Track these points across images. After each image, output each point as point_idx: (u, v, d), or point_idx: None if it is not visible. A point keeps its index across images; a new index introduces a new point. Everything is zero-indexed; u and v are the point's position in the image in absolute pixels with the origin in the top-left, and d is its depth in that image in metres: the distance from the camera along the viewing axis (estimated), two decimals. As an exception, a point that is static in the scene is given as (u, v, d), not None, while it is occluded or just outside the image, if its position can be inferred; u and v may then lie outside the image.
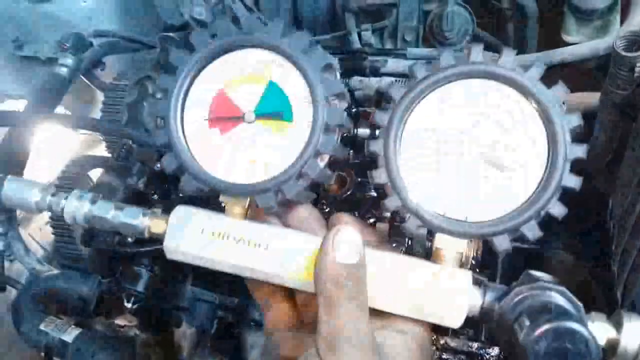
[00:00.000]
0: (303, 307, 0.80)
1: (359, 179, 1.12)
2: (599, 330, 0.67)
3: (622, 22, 1.15)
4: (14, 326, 1.27)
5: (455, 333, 1.13)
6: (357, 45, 1.33)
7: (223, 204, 0.78)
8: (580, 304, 0.67)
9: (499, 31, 1.39)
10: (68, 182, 1.24)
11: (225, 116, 0.78)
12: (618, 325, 0.67)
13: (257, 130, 0.77)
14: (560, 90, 0.71)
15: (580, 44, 1.13)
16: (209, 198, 0.79)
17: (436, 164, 0.74)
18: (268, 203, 0.74)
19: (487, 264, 1.12)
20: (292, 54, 0.75)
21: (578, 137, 0.71)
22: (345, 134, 0.83)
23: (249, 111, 0.77)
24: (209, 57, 0.79)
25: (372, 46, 1.32)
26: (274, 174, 0.75)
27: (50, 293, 1.28)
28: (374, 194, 1.12)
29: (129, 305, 1.29)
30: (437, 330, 1.15)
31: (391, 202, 0.74)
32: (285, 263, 0.74)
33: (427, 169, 0.74)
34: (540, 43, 1.33)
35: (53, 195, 0.81)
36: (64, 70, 1.38)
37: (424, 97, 0.74)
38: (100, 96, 1.45)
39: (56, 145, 1.69)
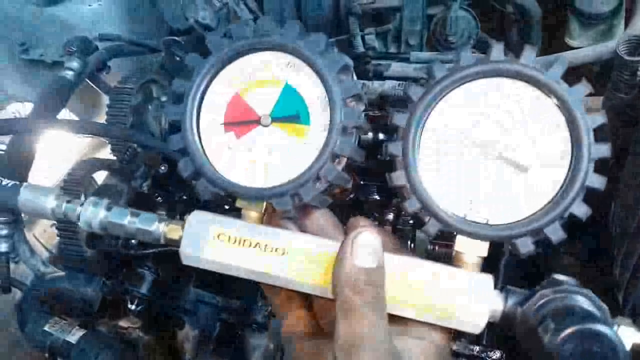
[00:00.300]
0: (321, 314, 0.78)
1: (362, 182, 1.12)
2: (625, 334, 0.65)
3: (626, 25, 1.15)
4: (18, 327, 1.27)
5: (457, 336, 1.13)
6: (360, 49, 1.33)
7: (240, 209, 0.78)
8: (605, 307, 0.66)
9: (502, 35, 1.40)
10: (73, 185, 1.25)
11: (240, 120, 0.77)
12: None
13: (273, 134, 0.76)
14: (582, 88, 0.70)
15: (583, 47, 1.13)
16: (222, 202, 0.79)
17: (456, 165, 0.73)
18: (285, 206, 0.74)
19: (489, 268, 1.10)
20: (309, 55, 0.75)
21: (602, 136, 0.70)
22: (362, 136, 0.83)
23: (264, 115, 0.76)
24: (224, 61, 0.78)
25: (375, 50, 1.32)
26: (291, 177, 0.74)
27: (55, 294, 1.29)
28: (377, 197, 1.12)
29: (132, 307, 1.30)
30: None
31: (411, 205, 0.73)
32: (302, 269, 0.73)
33: (447, 171, 0.73)
34: (543, 47, 1.33)
35: (68, 202, 0.81)
36: (69, 74, 1.39)
37: (443, 97, 0.73)
38: (105, 99, 1.46)
39: (59, 147, 1.70)
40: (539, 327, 0.64)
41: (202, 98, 0.78)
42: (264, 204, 0.76)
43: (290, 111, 0.76)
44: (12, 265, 1.29)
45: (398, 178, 0.73)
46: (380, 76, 1.18)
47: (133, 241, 1.28)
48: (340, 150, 0.72)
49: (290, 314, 0.80)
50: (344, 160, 0.75)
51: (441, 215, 0.71)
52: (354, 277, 0.66)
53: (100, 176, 1.37)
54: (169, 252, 1.27)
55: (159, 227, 0.78)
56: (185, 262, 0.77)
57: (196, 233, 0.76)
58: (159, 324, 1.37)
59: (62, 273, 1.32)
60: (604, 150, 0.68)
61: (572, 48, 1.17)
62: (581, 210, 0.69)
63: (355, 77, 0.78)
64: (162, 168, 1.31)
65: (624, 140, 0.98)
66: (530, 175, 0.70)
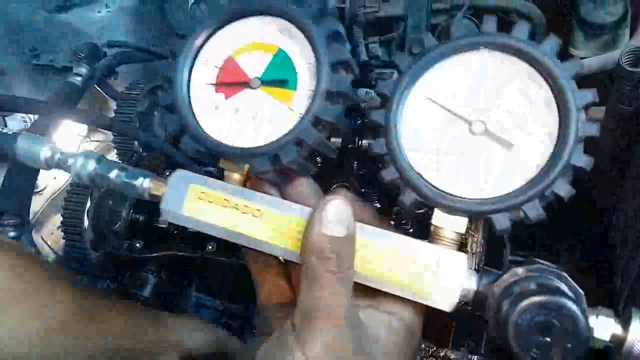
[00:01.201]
0: (297, 283, 0.78)
1: (363, 190, 1.13)
2: (604, 324, 0.64)
3: (631, 36, 1.15)
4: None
5: (456, 345, 1.13)
6: (364, 57, 1.34)
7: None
8: (581, 292, 0.64)
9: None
10: (80, 187, 1.27)
11: (231, 81, 0.78)
12: (626, 323, 0.64)
13: (260, 97, 0.77)
14: (574, 64, 0.69)
15: (587, 58, 1.13)
16: (206, 160, 0.80)
17: (439, 137, 0.72)
18: (263, 168, 0.73)
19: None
20: (300, 19, 0.75)
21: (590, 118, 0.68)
22: (350, 106, 0.82)
23: (254, 77, 0.77)
24: (220, 23, 0.79)
25: (379, 58, 1.33)
26: (272, 139, 0.74)
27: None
28: (377, 205, 1.12)
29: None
30: (438, 342, 1.15)
31: (388, 173, 0.72)
32: (276, 232, 0.73)
33: (429, 142, 0.72)
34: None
35: (62, 153, 0.83)
36: (78, 79, 1.41)
37: (432, 67, 0.73)
38: (112, 105, 1.48)
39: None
40: (501, 301, 0.64)
41: (195, 58, 0.80)
42: (246, 165, 0.77)
43: (280, 75, 0.76)
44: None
45: (378, 146, 0.73)
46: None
47: (137, 244, 1.29)
48: (323, 114, 0.72)
49: (267, 281, 0.80)
50: (327, 126, 0.74)
51: (418, 186, 0.70)
52: (319, 244, 0.65)
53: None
54: (171, 256, 1.29)
55: (143, 182, 0.80)
56: (166, 217, 0.78)
57: (178, 190, 0.77)
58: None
59: (67, 275, 1.33)
60: (592, 128, 0.67)
61: (576, 58, 1.17)
62: (564, 189, 0.67)
63: (348, 47, 0.77)
64: (167, 173, 1.32)
65: (625, 151, 0.98)
66: (514, 151, 0.69)
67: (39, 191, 1.62)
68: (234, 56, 0.79)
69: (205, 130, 0.77)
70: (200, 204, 0.76)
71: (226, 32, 0.80)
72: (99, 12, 1.65)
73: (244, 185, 0.79)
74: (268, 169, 0.74)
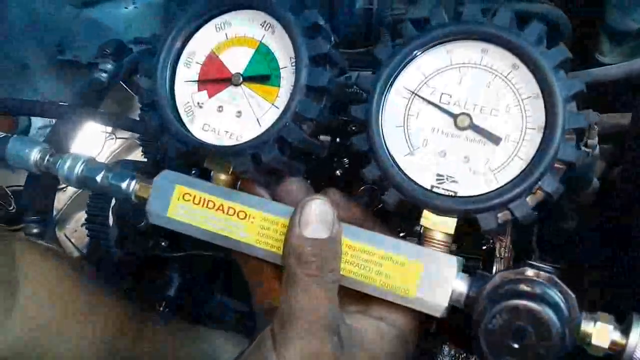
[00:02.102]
0: None
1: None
2: (602, 331, 0.61)
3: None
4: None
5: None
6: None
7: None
8: (572, 295, 0.62)
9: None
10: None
11: (213, 78, 0.77)
12: (626, 329, 0.61)
13: (243, 94, 0.75)
14: (559, 52, 0.66)
15: (614, 65, 1.12)
16: (190, 161, 0.79)
17: (423, 132, 0.70)
18: (244, 167, 0.72)
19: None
20: (278, 11, 0.73)
21: (582, 104, 0.66)
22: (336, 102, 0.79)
23: (236, 73, 0.75)
24: (202, 19, 0.78)
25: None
26: (254, 137, 0.72)
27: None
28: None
29: (160, 309, 1.31)
30: (468, 348, 1.14)
31: (370, 172, 0.70)
32: (262, 234, 0.72)
33: (412, 137, 0.70)
34: (573, 63, 1.32)
35: (52, 155, 0.83)
36: (103, 76, 1.41)
37: (413, 59, 0.70)
38: (137, 102, 1.48)
39: (92, 147, 1.72)
40: (482, 308, 0.61)
41: (178, 55, 0.78)
42: (231, 165, 0.75)
43: (262, 71, 0.75)
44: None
45: (360, 142, 0.70)
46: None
47: (163, 243, 1.29)
48: (303, 111, 0.70)
49: (260, 284, 0.78)
50: (310, 123, 0.72)
51: (401, 184, 0.68)
52: (299, 248, 0.63)
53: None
54: (196, 256, 1.29)
55: (130, 184, 0.79)
56: (151, 220, 0.77)
57: (163, 192, 0.76)
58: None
59: (87, 273, 1.34)
60: (580, 120, 0.64)
61: (603, 64, 1.16)
62: (552, 186, 0.64)
63: (332, 40, 0.75)
64: (193, 172, 1.32)
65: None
66: (501, 146, 0.67)
67: (62, 188, 1.64)
68: (216, 52, 0.78)
69: (188, 130, 0.76)
70: (185, 205, 0.75)
71: (208, 27, 0.79)
72: (126, 8, 1.65)
73: (236, 185, 0.77)
74: (248, 168, 0.72)
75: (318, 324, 0.62)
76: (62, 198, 1.65)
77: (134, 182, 0.79)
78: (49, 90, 1.73)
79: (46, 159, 0.83)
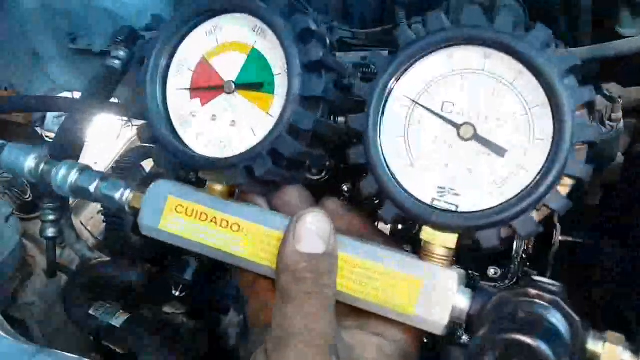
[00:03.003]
0: None
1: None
2: (610, 352, 0.58)
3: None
4: (64, 310, 1.30)
5: None
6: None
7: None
8: (576, 318, 0.58)
9: (550, 25, 1.36)
10: (121, 171, 1.27)
11: (205, 86, 0.74)
12: (637, 350, 0.58)
13: (237, 103, 0.72)
14: (568, 59, 0.61)
15: (635, 37, 1.10)
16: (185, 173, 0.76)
17: (424, 143, 0.66)
18: (238, 180, 0.69)
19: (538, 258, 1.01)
20: (268, 17, 0.69)
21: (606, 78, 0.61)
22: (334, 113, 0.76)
23: (229, 81, 0.72)
24: (191, 24, 0.75)
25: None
26: (248, 148, 0.69)
27: (100, 279, 1.31)
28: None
29: (176, 294, 1.31)
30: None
31: (367, 186, 0.66)
32: (256, 248, 0.69)
33: (412, 150, 0.66)
34: (593, 35, 1.30)
35: (46, 163, 0.81)
36: (116, 63, 1.41)
37: (411, 66, 0.66)
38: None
39: (109, 134, 1.73)
40: (477, 329, 0.58)
41: (168, 61, 0.75)
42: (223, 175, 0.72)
43: (255, 78, 0.71)
44: (58, 250, 1.32)
45: (357, 155, 0.67)
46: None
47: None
48: (298, 122, 0.67)
49: (255, 299, 0.74)
50: (306, 134, 0.69)
51: (399, 199, 0.64)
52: (293, 264, 0.60)
53: (149, 164, 1.38)
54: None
55: (123, 194, 0.77)
56: (143, 232, 0.75)
57: (155, 203, 0.74)
58: (203, 310, 1.38)
59: (107, 259, 1.34)
60: (590, 133, 0.60)
61: (623, 37, 1.14)
62: (558, 203, 0.60)
63: (327, 44, 0.71)
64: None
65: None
66: (506, 159, 0.63)
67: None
68: (207, 58, 0.74)
69: (181, 140, 0.73)
70: (177, 217, 0.72)
71: (198, 32, 0.75)
72: (138, -6, 1.65)
73: (233, 194, 0.74)
74: (242, 182, 0.69)
75: (315, 344, 0.59)
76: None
77: (127, 192, 0.77)
78: (61, 79, 1.74)
79: (41, 167, 0.81)
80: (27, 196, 1.47)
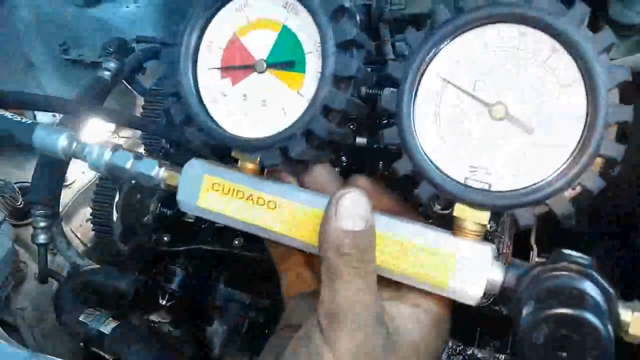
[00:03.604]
0: (318, 270, 0.73)
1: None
2: (639, 321, 0.58)
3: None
4: (56, 316, 1.32)
5: (482, 344, 1.12)
6: (390, 55, 1.33)
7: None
8: (612, 291, 0.59)
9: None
10: (108, 180, 1.29)
11: (236, 65, 0.74)
12: None
13: (268, 82, 0.72)
14: (605, 38, 0.61)
15: (617, 59, 1.11)
16: (218, 152, 0.76)
17: (456, 123, 0.66)
18: (273, 161, 0.70)
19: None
20: None
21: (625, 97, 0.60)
22: (368, 90, 0.77)
23: (260, 60, 0.72)
24: (221, 1, 0.74)
25: (405, 56, 1.33)
26: (281, 129, 0.70)
27: (90, 287, 1.32)
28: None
29: (163, 303, 1.33)
30: (465, 340, 1.16)
31: (402, 166, 0.67)
32: (293, 224, 0.70)
33: (445, 129, 0.66)
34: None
35: (79, 142, 0.83)
36: (107, 74, 1.43)
37: (445, 45, 0.66)
38: (140, 100, 1.50)
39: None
40: (523, 305, 0.58)
41: (199, 40, 0.75)
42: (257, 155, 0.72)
43: (286, 57, 0.71)
44: (49, 257, 1.34)
45: (391, 135, 0.67)
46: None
47: (165, 238, 1.31)
48: (331, 102, 0.67)
49: (290, 271, 0.78)
50: (338, 114, 0.69)
51: (434, 178, 0.65)
52: (337, 240, 0.61)
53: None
54: (199, 250, 1.31)
55: (159, 172, 0.78)
56: (182, 209, 0.76)
57: (192, 181, 0.75)
58: (189, 320, 1.40)
59: (97, 266, 1.36)
60: (624, 112, 0.60)
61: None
62: (592, 182, 0.60)
63: (357, 22, 0.70)
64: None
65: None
66: (539, 138, 0.63)
67: (68, 185, 1.64)
68: (238, 35, 0.74)
69: (213, 120, 0.74)
70: (214, 194, 0.74)
71: (229, 9, 0.75)
72: (127, 7, 1.67)
73: (263, 172, 0.75)
74: (277, 163, 0.70)
75: (366, 317, 0.62)
76: (68, 193, 1.67)
77: (162, 170, 0.78)
78: (54, 89, 1.76)
79: (73, 145, 0.82)
80: (19, 202, 1.48)
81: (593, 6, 1.15)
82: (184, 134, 0.74)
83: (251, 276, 1.43)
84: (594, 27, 0.62)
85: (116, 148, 0.81)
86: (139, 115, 1.43)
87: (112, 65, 1.45)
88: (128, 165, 0.79)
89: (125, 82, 1.54)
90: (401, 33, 1.33)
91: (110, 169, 0.80)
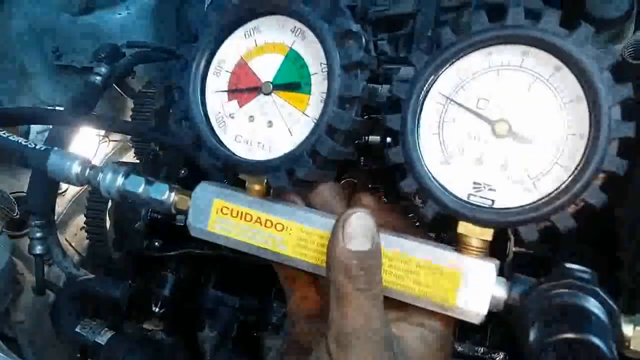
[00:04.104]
0: (325, 293, 0.75)
1: (370, 185, 1.12)
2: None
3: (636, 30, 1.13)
4: (53, 327, 1.32)
5: (461, 337, 1.12)
6: (372, 54, 1.32)
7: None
8: (615, 309, 0.60)
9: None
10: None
11: (243, 87, 0.75)
12: None
13: (274, 103, 0.73)
14: (608, 56, 0.62)
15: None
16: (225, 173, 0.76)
17: (460, 141, 0.67)
18: (281, 182, 0.70)
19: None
20: (310, 18, 0.70)
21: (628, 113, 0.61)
22: (364, 115, 0.77)
23: (266, 82, 0.73)
24: (230, 26, 0.76)
25: (386, 55, 1.32)
26: (287, 150, 0.71)
27: (85, 296, 1.33)
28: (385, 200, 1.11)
29: (156, 310, 1.33)
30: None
31: (407, 185, 0.67)
32: (300, 246, 0.71)
33: (449, 148, 0.67)
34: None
35: (92, 168, 0.83)
36: (98, 79, 1.44)
37: (450, 65, 0.67)
38: (130, 103, 1.51)
39: (84, 149, 1.75)
40: (530, 325, 0.59)
41: (207, 64, 0.76)
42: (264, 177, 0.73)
43: (292, 78, 0.72)
44: (45, 268, 1.34)
45: (395, 154, 0.68)
46: (389, 80, 1.17)
47: (156, 243, 1.31)
48: (337, 122, 0.68)
49: (296, 291, 0.78)
50: (342, 133, 0.70)
51: (439, 197, 0.66)
52: (345, 262, 0.61)
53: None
54: (190, 254, 1.31)
55: (170, 196, 0.79)
56: (192, 234, 0.77)
57: (201, 205, 0.76)
58: (181, 326, 1.40)
59: (91, 275, 1.36)
60: (626, 128, 0.61)
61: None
62: (595, 197, 0.61)
63: (363, 44, 0.71)
64: (182, 172, 1.34)
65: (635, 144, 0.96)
66: (542, 154, 0.64)
67: (62, 193, 1.65)
68: (245, 59, 0.75)
69: (221, 142, 0.75)
70: (223, 218, 0.75)
71: (237, 33, 0.76)
72: (119, 14, 1.67)
73: (269, 192, 0.76)
74: (285, 185, 0.70)
75: (375, 341, 0.62)
76: (62, 202, 1.68)
77: (173, 194, 0.80)
78: (46, 94, 1.77)
79: (87, 172, 0.83)
80: (15, 213, 1.48)
81: (570, 1, 1.14)
82: (174, 136, 0.78)
83: (240, 278, 1.44)
84: (571, 21, 0.63)
85: (128, 173, 0.82)
86: (130, 116, 1.45)
87: (103, 70, 1.45)
88: (140, 190, 0.81)
89: (115, 86, 1.55)
90: (383, 32, 1.32)
91: (122, 194, 0.82)
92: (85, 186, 0.85)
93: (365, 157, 1.08)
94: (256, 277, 1.35)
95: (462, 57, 0.67)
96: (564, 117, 0.63)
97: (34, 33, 1.71)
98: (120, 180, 0.81)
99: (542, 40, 0.63)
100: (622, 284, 0.91)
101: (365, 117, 0.89)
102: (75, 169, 0.83)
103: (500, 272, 0.68)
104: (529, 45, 0.64)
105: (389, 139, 0.70)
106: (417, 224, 0.82)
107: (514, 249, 0.99)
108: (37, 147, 0.86)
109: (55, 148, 0.85)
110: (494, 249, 0.72)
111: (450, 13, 1.23)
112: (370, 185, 1.03)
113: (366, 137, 0.87)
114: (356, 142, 0.82)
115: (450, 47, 0.66)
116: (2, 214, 1.45)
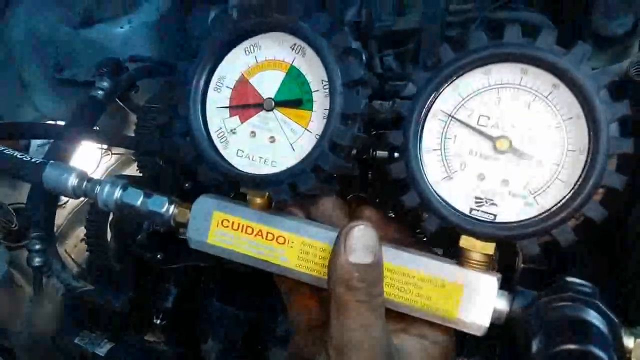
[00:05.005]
0: (326, 304, 0.74)
1: (377, 200, 1.13)
2: None
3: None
4: (51, 339, 1.31)
5: (470, 353, 1.12)
6: (378, 70, 1.34)
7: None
8: (615, 320, 0.61)
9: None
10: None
11: (245, 103, 0.76)
12: None
13: (276, 119, 0.74)
14: (604, 75, 0.63)
15: (597, 69, 1.12)
16: (227, 187, 0.76)
17: (462, 157, 0.68)
18: (282, 196, 0.71)
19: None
20: (310, 36, 0.71)
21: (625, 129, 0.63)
22: (364, 133, 0.77)
23: (268, 98, 0.74)
24: (230, 43, 0.76)
25: (393, 71, 1.33)
26: (289, 166, 0.72)
27: (85, 308, 1.32)
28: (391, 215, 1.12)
29: (157, 322, 1.33)
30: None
31: (410, 200, 0.68)
32: (302, 258, 0.72)
33: (450, 163, 0.69)
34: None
35: (89, 181, 0.83)
36: (100, 93, 1.43)
37: (451, 83, 0.69)
38: (133, 118, 1.50)
39: (87, 163, 1.75)
40: (533, 337, 0.60)
41: (208, 80, 0.77)
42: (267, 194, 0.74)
43: (294, 95, 0.73)
44: (44, 280, 1.33)
45: (398, 169, 0.69)
46: (396, 96, 1.18)
47: (158, 256, 1.31)
48: (339, 138, 0.69)
49: (297, 302, 0.78)
50: (345, 149, 0.71)
51: (441, 211, 0.67)
52: (346, 274, 0.62)
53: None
54: (192, 267, 1.31)
55: (169, 209, 0.79)
56: (192, 246, 0.78)
57: (201, 218, 0.77)
58: (184, 338, 1.39)
59: (91, 287, 1.36)
60: (625, 145, 0.62)
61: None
62: (595, 212, 0.62)
63: (364, 61, 0.73)
64: (187, 185, 1.34)
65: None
66: (542, 170, 0.65)
67: (62, 204, 1.64)
68: (246, 76, 0.76)
69: (222, 157, 0.76)
70: (224, 231, 0.75)
71: (237, 50, 0.77)
72: (121, 27, 1.67)
73: (270, 205, 0.76)
74: (287, 198, 0.71)
75: (376, 352, 0.63)
76: (62, 214, 1.67)
77: (172, 207, 0.80)
78: (47, 109, 1.75)
79: (84, 184, 0.83)
80: (14, 225, 1.47)
81: (576, 19, 1.15)
82: (178, 150, 0.77)
83: (246, 290, 1.43)
84: (578, 38, 0.65)
85: (125, 186, 0.82)
86: (134, 130, 1.43)
87: (105, 84, 1.45)
88: (138, 203, 0.81)
89: (118, 101, 1.55)
90: (388, 48, 1.33)
91: (120, 207, 0.81)
92: (86, 199, 0.85)
93: (372, 172, 1.09)
94: (261, 289, 1.34)
95: (461, 75, 0.68)
96: (563, 133, 0.65)
97: (34, 46, 1.71)
98: (118, 192, 0.81)
99: (539, 58, 0.64)
100: (630, 294, 0.91)
101: (373, 132, 0.90)
102: (72, 181, 0.82)
103: (504, 286, 0.69)
104: (526, 63, 0.66)
105: (396, 154, 0.71)
106: (424, 239, 0.83)
107: (522, 265, 1.00)
108: (33, 160, 0.86)
109: (52, 161, 0.85)
110: (502, 265, 0.73)
111: (456, 28, 1.24)
112: (377, 200, 1.04)
113: (374, 152, 0.88)
114: (364, 157, 0.84)
115: (449, 65, 0.68)
116: (0, 226, 1.44)
